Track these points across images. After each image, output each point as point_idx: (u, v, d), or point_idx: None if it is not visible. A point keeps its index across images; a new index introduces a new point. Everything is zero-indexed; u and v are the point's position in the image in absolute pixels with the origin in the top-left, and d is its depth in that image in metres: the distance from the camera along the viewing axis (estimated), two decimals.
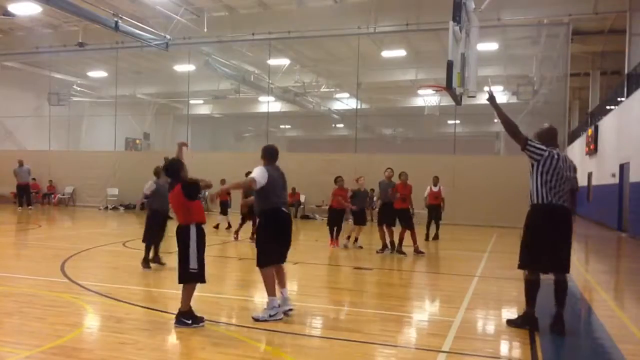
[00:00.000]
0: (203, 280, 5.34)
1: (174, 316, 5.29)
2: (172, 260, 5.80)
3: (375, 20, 19.19)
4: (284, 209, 5.64)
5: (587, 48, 22.48)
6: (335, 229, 11.94)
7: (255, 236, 11.72)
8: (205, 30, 20.13)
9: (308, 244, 12.83)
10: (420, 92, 27.32)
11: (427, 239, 13.45)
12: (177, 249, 5.35)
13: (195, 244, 5.25)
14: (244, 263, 9.88)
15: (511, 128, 5.49)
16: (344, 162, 20.15)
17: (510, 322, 5.57)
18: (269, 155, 5.70)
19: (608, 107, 21.37)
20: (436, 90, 20.45)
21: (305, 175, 19.70)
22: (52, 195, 24.66)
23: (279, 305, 5.50)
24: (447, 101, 19.78)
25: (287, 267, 5.77)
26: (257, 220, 5.80)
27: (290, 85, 28.45)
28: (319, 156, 21.87)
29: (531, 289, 5.45)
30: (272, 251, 5.58)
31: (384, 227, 11.21)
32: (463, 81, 8.57)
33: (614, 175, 18.54)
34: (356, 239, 11.91)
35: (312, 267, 9.20)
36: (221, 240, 12.94)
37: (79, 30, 21.50)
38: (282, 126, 40.15)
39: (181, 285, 5.30)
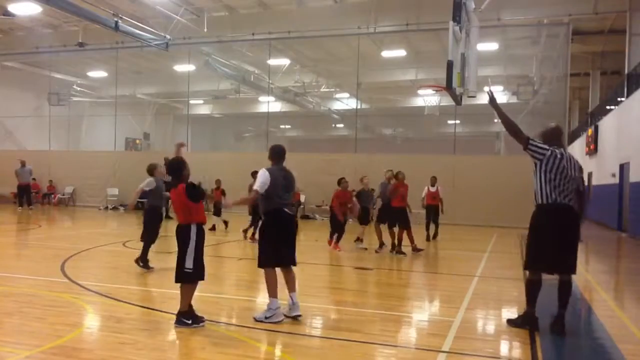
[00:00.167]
0: (201, 278, 5.33)
1: (174, 316, 5.29)
2: (172, 260, 5.78)
3: (375, 20, 19.18)
4: (286, 209, 5.59)
5: (587, 48, 22.47)
6: (336, 234, 11.45)
7: (255, 236, 11.92)
8: (205, 30, 20.12)
9: (308, 244, 12.82)
10: (420, 92, 27.31)
11: (427, 239, 13.43)
12: (177, 248, 5.36)
13: (195, 243, 5.26)
14: (244, 263, 9.89)
15: (512, 128, 5.48)
16: (344, 162, 20.15)
17: (510, 322, 5.57)
18: (275, 155, 5.70)
19: (608, 107, 21.37)
20: (436, 90, 20.48)
21: (305, 175, 19.57)
22: (52, 195, 24.66)
23: (278, 307, 5.47)
24: (447, 101, 19.79)
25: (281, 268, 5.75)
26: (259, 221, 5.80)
27: (290, 85, 28.45)
28: (319, 156, 21.87)
29: (532, 289, 5.44)
30: (271, 252, 5.54)
31: (383, 228, 11.22)
32: (463, 81, 8.58)
33: (614, 175, 18.54)
34: (361, 240, 11.81)
35: (312, 267, 9.19)
36: (220, 240, 12.93)
37: (79, 30, 21.49)
38: (282, 126, 40.14)
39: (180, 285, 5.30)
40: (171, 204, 5.96)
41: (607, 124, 20.39)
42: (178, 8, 19.12)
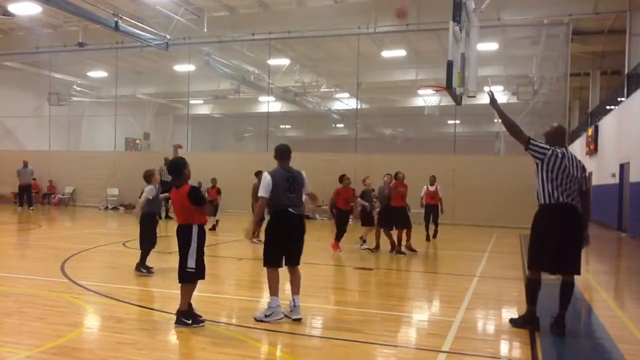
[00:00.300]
0: (202, 277, 5.34)
1: (174, 316, 5.29)
2: (172, 260, 5.81)
3: (375, 20, 19.18)
4: (290, 209, 5.60)
5: (587, 48, 22.48)
6: (338, 231, 11.27)
7: (257, 236, 11.95)
8: (205, 30, 20.12)
9: (308, 244, 12.79)
10: (420, 92, 27.32)
11: (427, 239, 13.43)
12: (177, 249, 5.36)
13: (196, 243, 5.26)
14: (244, 263, 9.90)
15: (513, 129, 5.49)
16: (344, 162, 20.15)
17: (512, 322, 5.56)
18: (278, 155, 5.74)
19: (608, 107, 21.37)
20: (436, 90, 20.47)
21: None
22: (52, 195, 24.66)
23: (278, 306, 5.48)
24: (447, 101, 19.76)
25: (286, 267, 5.75)
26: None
27: (290, 85, 28.46)
28: (319, 156, 21.86)
29: (532, 289, 5.43)
30: (273, 251, 5.57)
31: (384, 230, 11.23)
32: (463, 81, 8.59)
33: (614, 175, 18.54)
34: (364, 240, 11.71)
35: (312, 267, 9.18)
36: (220, 240, 12.93)
37: (79, 30, 21.50)
38: (282, 126, 40.15)
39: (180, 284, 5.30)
40: (171, 204, 5.93)
41: (607, 124, 20.39)
42: (178, 8, 19.11)
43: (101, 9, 17.59)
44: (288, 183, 5.61)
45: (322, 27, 19.46)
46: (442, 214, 13.82)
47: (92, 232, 14.84)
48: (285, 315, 5.54)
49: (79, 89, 29.68)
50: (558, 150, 5.32)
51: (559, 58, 20.59)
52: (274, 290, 5.50)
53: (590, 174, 23.01)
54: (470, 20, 8.89)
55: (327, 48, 24.02)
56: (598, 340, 5.45)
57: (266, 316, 5.40)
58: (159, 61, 26.45)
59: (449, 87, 8.23)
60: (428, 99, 27.01)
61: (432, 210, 13.55)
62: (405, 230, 11.15)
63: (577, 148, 27.31)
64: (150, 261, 8.14)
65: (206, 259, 5.44)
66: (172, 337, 4.99)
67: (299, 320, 5.45)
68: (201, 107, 35.79)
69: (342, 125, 37.08)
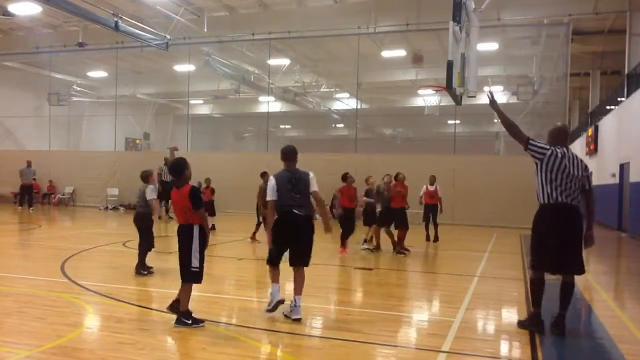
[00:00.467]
0: (199, 281, 5.34)
1: (174, 316, 5.29)
2: (172, 260, 5.82)
3: (375, 20, 19.18)
4: (295, 210, 5.64)
5: (587, 48, 22.48)
6: (344, 232, 10.98)
7: (255, 236, 11.98)
8: (205, 30, 20.12)
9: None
10: (420, 92, 27.31)
11: (427, 239, 13.42)
12: (177, 249, 5.36)
13: (198, 243, 5.26)
14: (244, 263, 9.89)
15: (512, 129, 5.50)
16: (344, 162, 20.11)
17: (519, 324, 5.55)
18: (283, 156, 5.89)
19: (608, 107, 21.37)
20: (436, 90, 20.48)
21: None
22: (52, 195, 24.66)
23: (277, 290, 5.69)
24: (447, 101, 19.78)
25: (286, 266, 5.75)
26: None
27: (290, 85, 28.45)
28: (319, 156, 21.84)
29: (536, 288, 5.42)
30: (274, 251, 5.73)
31: (385, 230, 11.23)
32: (463, 81, 8.59)
33: (614, 175, 18.55)
34: (365, 240, 11.65)
35: (312, 267, 9.15)
36: (220, 240, 12.93)
37: (79, 30, 21.50)
38: (282, 126, 40.14)
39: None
40: (171, 204, 5.93)
41: (607, 124, 20.39)
42: (178, 8, 19.12)
43: (101, 9, 17.58)
44: (291, 184, 5.69)
45: (322, 27, 19.45)
46: (441, 214, 13.80)
47: (92, 232, 14.84)
48: (285, 315, 5.55)
49: (79, 89, 29.67)
50: (558, 150, 5.31)
51: (559, 58, 20.59)
52: (272, 279, 5.75)
53: (590, 174, 22.99)
54: (470, 20, 8.89)
55: (327, 48, 24.02)
56: (598, 340, 5.45)
57: (268, 306, 5.67)
58: (159, 61, 26.45)
59: (449, 87, 8.24)
60: (428, 99, 27.00)
61: (432, 210, 13.51)
62: (400, 231, 11.16)
63: (577, 148, 27.30)
64: (150, 261, 8.14)
65: (206, 259, 5.44)
66: (172, 337, 4.99)
67: (299, 320, 5.45)
68: (201, 107, 35.79)
69: (342, 125, 37.08)
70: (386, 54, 22.60)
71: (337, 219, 11.48)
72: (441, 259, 11.69)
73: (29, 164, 20.98)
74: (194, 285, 5.35)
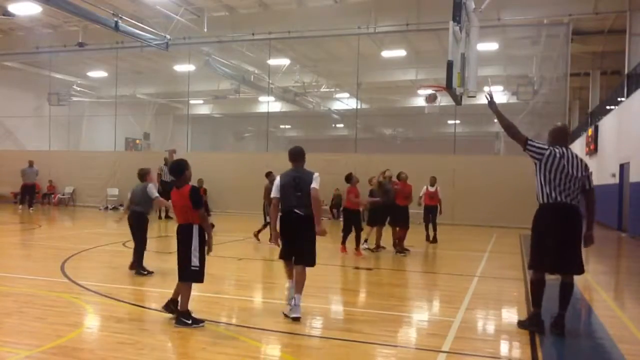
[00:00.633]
0: (202, 280, 5.34)
1: (174, 316, 5.29)
2: (172, 260, 5.81)
3: (375, 20, 19.18)
4: (297, 210, 5.71)
5: (587, 48, 22.47)
6: (346, 233, 10.88)
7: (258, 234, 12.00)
8: (205, 30, 20.12)
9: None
10: (420, 92, 27.29)
11: (427, 239, 13.42)
12: (176, 248, 5.36)
13: (198, 242, 5.26)
14: (244, 263, 9.89)
15: (511, 130, 5.52)
16: (344, 162, 20.12)
17: (520, 324, 5.55)
18: (290, 157, 6.05)
19: (608, 107, 21.37)
20: (436, 90, 20.49)
21: None
22: (52, 195, 24.66)
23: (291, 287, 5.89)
24: (447, 101, 19.79)
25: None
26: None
27: (290, 85, 28.45)
28: (319, 156, 21.80)
29: (537, 289, 5.42)
30: (281, 249, 5.91)
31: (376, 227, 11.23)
32: (463, 81, 8.60)
33: (614, 175, 18.54)
34: (366, 240, 11.56)
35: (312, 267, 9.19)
36: (219, 241, 12.93)
37: (79, 30, 21.49)
38: (282, 126, 40.16)
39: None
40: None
41: (607, 124, 20.39)
42: (178, 8, 19.11)
43: (101, 9, 17.58)
44: (295, 182, 5.78)
45: (322, 27, 19.45)
46: (441, 215, 13.79)
47: (92, 232, 14.84)
48: (285, 315, 5.55)
49: (79, 89, 29.66)
50: (557, 150, 5.31)
51: (559, 58, 20.59)
52: (288, 275, 6.03)
53: (591, 173, 23.03)
54: (470, 20, 8.90)
55: (327, 48, 24.02)
56: (598, 340, 5.45)
57: (287, 299, 5.91)
58: (159, 61, 26.45)
59: (449, 87, 8.24)
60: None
61: (431, 211, 13.48)
62: (401, 230, 11.15)
63: (577, 148, 27.31)
64: (150, 261, 8.14)
65: (206, 259, 5.44)
66: (172, 337, 4.99)
67: (297, 319, 5.46)
68: (201, 107, 35.79)
69: (342, 125, 37.09)
70: (386, 54, 22.60)
71: (342, 217, 11.60)
72: (441, 259, 11.69)
73: (30, 164, 20.95)
74: (194, 285, 5.36)
